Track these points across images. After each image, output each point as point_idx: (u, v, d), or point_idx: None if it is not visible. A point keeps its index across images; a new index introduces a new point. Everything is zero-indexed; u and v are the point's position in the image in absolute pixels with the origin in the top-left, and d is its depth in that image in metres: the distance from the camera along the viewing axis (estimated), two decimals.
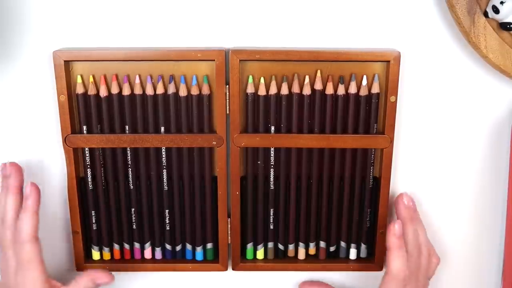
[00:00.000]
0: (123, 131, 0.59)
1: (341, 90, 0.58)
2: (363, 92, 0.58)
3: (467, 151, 0.63)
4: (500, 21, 0.56)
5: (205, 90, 0.58)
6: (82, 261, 0.64)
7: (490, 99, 0.61)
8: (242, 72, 0.58)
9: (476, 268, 0.68)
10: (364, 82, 0.58)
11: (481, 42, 0.56)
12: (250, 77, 0.58)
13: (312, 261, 0.65)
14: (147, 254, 0.64)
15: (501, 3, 0.54)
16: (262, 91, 0.58)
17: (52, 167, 0.63)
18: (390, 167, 0.60)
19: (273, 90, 0.58)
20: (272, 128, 0.59)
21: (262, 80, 0.58)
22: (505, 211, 0.64)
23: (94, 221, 0.63)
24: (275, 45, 0.59)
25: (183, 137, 0.59)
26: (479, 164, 0.64)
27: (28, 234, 0.57)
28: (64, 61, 0.56)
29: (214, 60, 0.56)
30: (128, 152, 0.60)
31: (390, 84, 0.57)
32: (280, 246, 0.64)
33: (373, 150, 0.61)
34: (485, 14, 0.56)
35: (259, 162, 0.61)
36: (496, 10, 0.55)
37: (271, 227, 0.63)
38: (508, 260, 0.64)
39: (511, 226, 0.63)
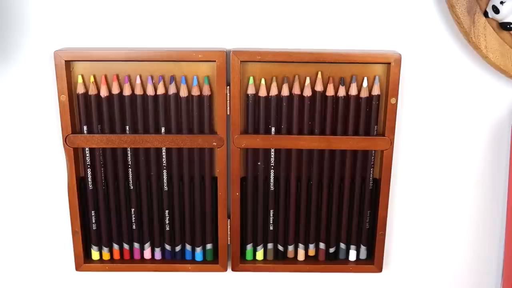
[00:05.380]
0: (123, 131, 0.59)
1: (341, 92, 0.58)
2: (364, 93, 0.58)
3: (467, 151, 0.63)
4: (500, 21, 0.56)
5: (206, 91, 0.58)
6: (82, 261, 0.63)
7: (490, 99, 0.61)
8: (243, 73, 0.58)
9: (476, 268, 0.68)
10: (365, 84, 0.58)
11: (481, 42, 0.56)
12: (251, 78, 0.58)
13: (311, 262, 0.65)
14: (147, 254, 0.64)
15: (501, 3, 0.55)
16: (262, 92, 0.58)
17: (52, 167, 0.63)
18: (390, 169, 0.60)
19: (273, 91, 0.58)
20: (273, 129, 0.59)
21: (262, 81, 0.58)
22: (505, 211, 0.65)
23: (94, 221, 0.63)
24: (276, 47, 0.59)
25: (184, 138, 0.59)
26: (479, 164, 0.64)
27: None
28: (65, 61, 0.56)
29: (215, 61, 0.56)
30: (129, 152, 0.60)
31: (390, 86, 0.57)
32: (280, 247, 0.64)
33: (373, 151, 0.61)
34: (485, 14, 0.56)
35: (259, 163, 0.61)
36: (496, 10, 0.55)
37: (271, 228, 0.63)
38: (508, 261, 0.64)
39: (511, 226, 0.63)
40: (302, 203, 0.62)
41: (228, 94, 0.58)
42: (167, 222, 0.63)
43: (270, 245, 0.64)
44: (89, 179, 0.61)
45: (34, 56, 0.59)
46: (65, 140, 0.59)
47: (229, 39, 0.59)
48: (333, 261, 0.65)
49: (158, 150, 0.60)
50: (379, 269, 0.64)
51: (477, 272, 0.68)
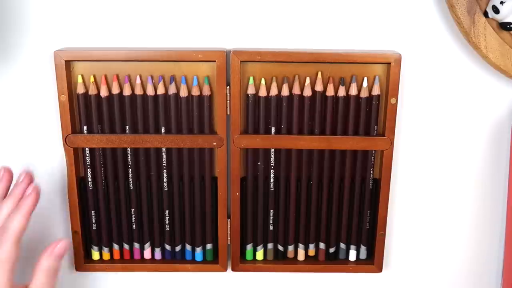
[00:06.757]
0: (123, 131, 0.59)
1: (341, 92, 0.58)
2: (364, 93, 0.58)
3: (467, 151, 0.63)
4: (500, 21, 0.56)
5: (206, 91, 0.58)
6: (82, 261, 0.64)
7: (490, 99, 0.61)
8: (243, 73, 0.58)
9: (476, 269, 0.68)
10: (365, 83, 0.58)
11: (481, 42, 0.56)
12: (251, 78, 0.58)
13: (311, 262, 0.65)
14: (147, 254, 0.64)
15: (501, 3, 0.55)
16: (262, 92, 0.58)
17: (52, 167, 0.63)
18: (390, 169, 0.60)
19: (273, 91, 0.58)
20: (273, 129, 0.59)
21: (262, 81, 0.58)
22: (505, 212, 0.65)
23: (94, 221, 0.63)
24: (276, 46, 0.59)
25: (184, 138, 0.59)
26: (479, 164, 0.64)
27: (14, 233, 0.52)
28: (65, 61, 0.56)
29: (215, 61, 0.56)
30: (129, 152, 0.60)
31: (390, 86, 0.57)
32: (280, 247, 0.64)
33: (373, 152, 0.61)
34: (485, 14, 0.56)
35: (259, 163, 0.61)
36: (496, 10, 0.55)
37: (271, 228, 0.63)
38: (508, 261, 0.64)
39: (511, 226, 0.63)
40: (302, 203, 0.62)
41: (228, 94, 0.58)
42: (167, 222, 0.63)
43: (270, 245, 0.64)
44: (89, 179, 0.61)
45: (34, 56, 0.59)
46: (65, 140, 0.59)
47: (229, 39, 0.59)
48: (333, 261, 0.65)
49: (158, 150, 0.60)
50: (379, 269, 0.64)
51: (477, 272, 0.68)
